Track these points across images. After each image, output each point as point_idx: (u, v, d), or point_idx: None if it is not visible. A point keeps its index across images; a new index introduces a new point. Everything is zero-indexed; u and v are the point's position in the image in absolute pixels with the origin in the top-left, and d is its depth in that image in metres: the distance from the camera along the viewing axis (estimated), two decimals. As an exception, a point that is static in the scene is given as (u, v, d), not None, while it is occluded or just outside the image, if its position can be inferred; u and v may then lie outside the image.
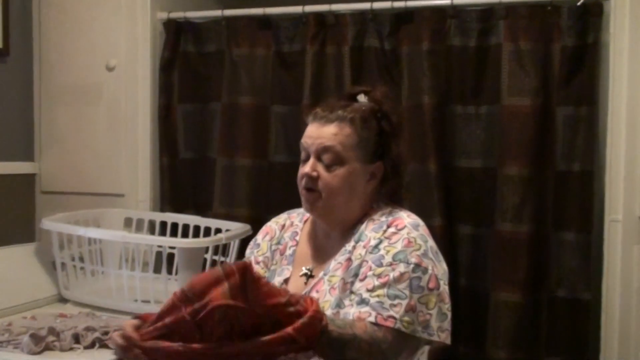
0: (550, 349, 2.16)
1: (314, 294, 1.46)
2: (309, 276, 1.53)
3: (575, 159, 2.15)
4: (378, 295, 1.36)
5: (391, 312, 1.34)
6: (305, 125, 1.53)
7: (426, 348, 1.54)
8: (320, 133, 1.48)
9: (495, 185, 2.20)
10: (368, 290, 1.37)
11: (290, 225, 1.66)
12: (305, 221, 1.64)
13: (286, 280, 1.56)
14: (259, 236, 1.68)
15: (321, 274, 1.50)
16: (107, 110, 2.58)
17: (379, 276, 1.37)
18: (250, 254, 1.66)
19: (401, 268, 1.37)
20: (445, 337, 1.43)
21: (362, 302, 1.37)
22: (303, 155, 1.52)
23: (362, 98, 1.54)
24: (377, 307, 1.35)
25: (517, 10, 2.17)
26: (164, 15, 2.55)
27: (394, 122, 1.52)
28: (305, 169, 1.49)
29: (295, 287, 1.53)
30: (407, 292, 1.36)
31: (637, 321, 2.02)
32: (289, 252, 1.61)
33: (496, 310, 2.17)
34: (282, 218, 1.70)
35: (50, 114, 2.66)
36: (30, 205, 2.65)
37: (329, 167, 1.47)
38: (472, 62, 2.24)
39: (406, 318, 1.35)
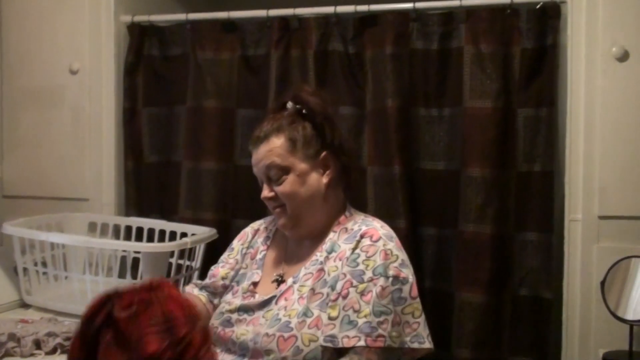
0: (513, 348, 2.18)
1: (282, 301, 1.47)
2: (280, 282, 1.54)
3: (536, 160, 2.17)
4: (365, 316, 1.37)
5: (379, 331, 1.36)
6: None
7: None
8: (258, 157, 1.52)
9: (459, 186, 2.22)
10: (355, 311, 1.38)
11: (264, 230, 1.69)
12: None
13: (255, 284, 1.57)
14: (234, 240, 1.73)
15: (290, 280, 1.50)
16: (70, 114, 2.56)
17: (362, 294, 1.39)
18: (224, 257, 1.70)
19: (382, 282, 1.39)
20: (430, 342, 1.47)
21: (350, 323, 1.37)
22: (259, 182, 1.56)
23: (290, 105, 1.56)
24: (365, 328, 1.36)
25: (477, 14, 2.19)
26: (127, 18, 2.53)
27: (326, 113, 1.54)
28: (263, 194, 1.54)
29: (265, 291, 1.54)
30: (390, 306, 1.39)
31: (596, 319, 2.04)
32: (259, 256, 1.63)
33: (460, 310, 2.19)
34: (257, 223, 1.73)
35: (12, 117, 2.63)
36: (-9, 209, 2.61)
37: (278, 181, 1.50)
38: (434, 65, 2.26)
39: (394, 333, 1.38)
